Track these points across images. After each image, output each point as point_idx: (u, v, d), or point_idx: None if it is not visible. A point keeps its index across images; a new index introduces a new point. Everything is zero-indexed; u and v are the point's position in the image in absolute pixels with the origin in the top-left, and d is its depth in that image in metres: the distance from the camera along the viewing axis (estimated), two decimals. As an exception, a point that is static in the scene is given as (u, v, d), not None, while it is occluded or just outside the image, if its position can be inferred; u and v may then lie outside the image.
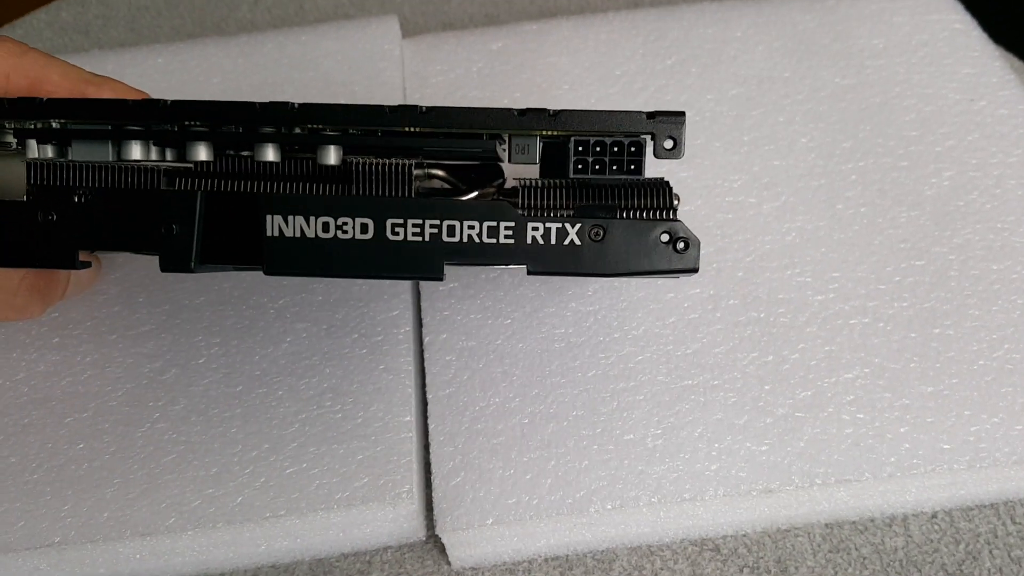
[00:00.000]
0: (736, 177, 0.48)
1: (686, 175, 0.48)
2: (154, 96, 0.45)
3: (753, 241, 0.45)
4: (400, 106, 0.30)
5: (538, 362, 0.41)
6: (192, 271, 0.31)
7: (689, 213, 0.46)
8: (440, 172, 0.35)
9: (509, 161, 0.31)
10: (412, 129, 0.30)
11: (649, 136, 0.31)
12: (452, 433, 0.39)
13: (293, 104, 0.30)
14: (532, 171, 0.33)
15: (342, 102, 0.30)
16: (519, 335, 0.42)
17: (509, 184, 0.35)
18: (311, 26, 0.58)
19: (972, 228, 0.45)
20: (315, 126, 0.30)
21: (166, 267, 0.31)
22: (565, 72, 0.54)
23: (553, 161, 0.34)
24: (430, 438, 0.39)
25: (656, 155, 0.30)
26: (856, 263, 0.44)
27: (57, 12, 0.67)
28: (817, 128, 0.50)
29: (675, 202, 0.32)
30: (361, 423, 0.39)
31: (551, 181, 0.32)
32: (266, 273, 0.31)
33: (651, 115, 0.30)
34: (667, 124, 0.30)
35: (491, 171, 0.35)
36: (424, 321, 0.43)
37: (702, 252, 0.44)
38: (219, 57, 0.56)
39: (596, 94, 0.53)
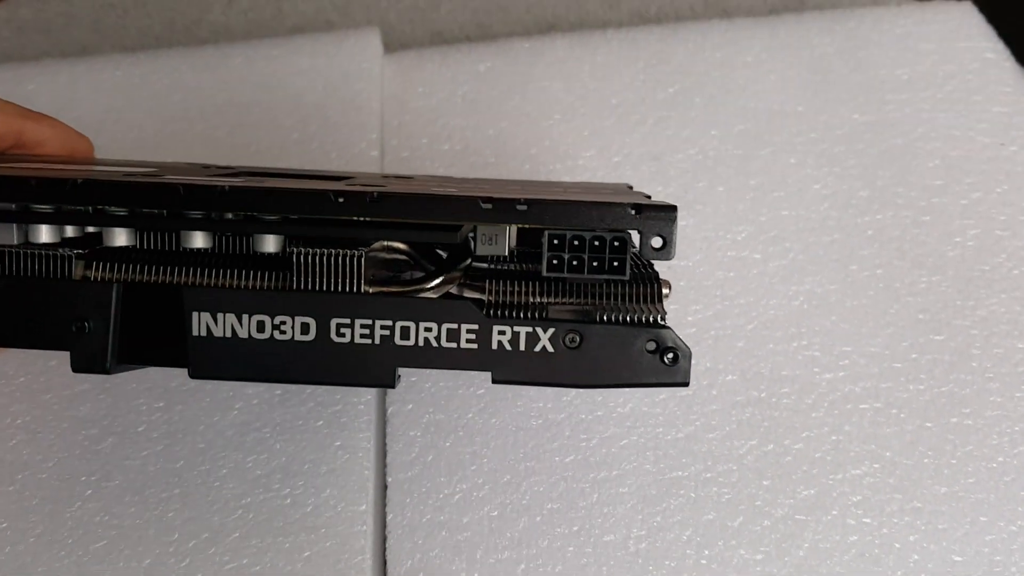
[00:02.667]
0: (740, 228, 0.43)
1: (684, 223, 0.44)
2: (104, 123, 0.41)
3: (756, 305, 0.40)
4: (347, 193, 0.26)
5: (512, 442, 0.37)
6: (108, 372, 0.27)
7: (687, 269, 0.42)
8: (401, 246, 0.31)
9: (475, 253, 0.28)
10: (362, 219, 0.26)
11: (636, 232, 0.27)
12: (412, 526, 0.35)
13: (223, 187, 0.26)
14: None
15: (290, 187, 0.26)
16: (492, 408, 0.38)
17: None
18: (285, 38, 0.53)
19: (997, 298, 0.41)
20: (249, 213, 0.26)
21: (78, 367, 0.27)
22: (557, 99, 0.49)
23: (529, 241, 0.30)
24: (387, 531, 0.35)
25: (642, 254, 0.27)
26: (869, 336, 0.40)
27: (16, 8, 0.62)
28: (832, 173, 0.45)
29: (664, 298, 0.28)
30: (311, 511, 0.35)
31: (523, 273, 0.28)
32: (191, 376, 0.27)
33: (638, 209, 0.26)
34: (656, 221, 0.26)
35: (458, 247, 0.30)
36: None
37: (701, 316, 0.40)
38: (182, 71, 0.51)
39: (589, 126, 0.48)
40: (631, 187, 0.38)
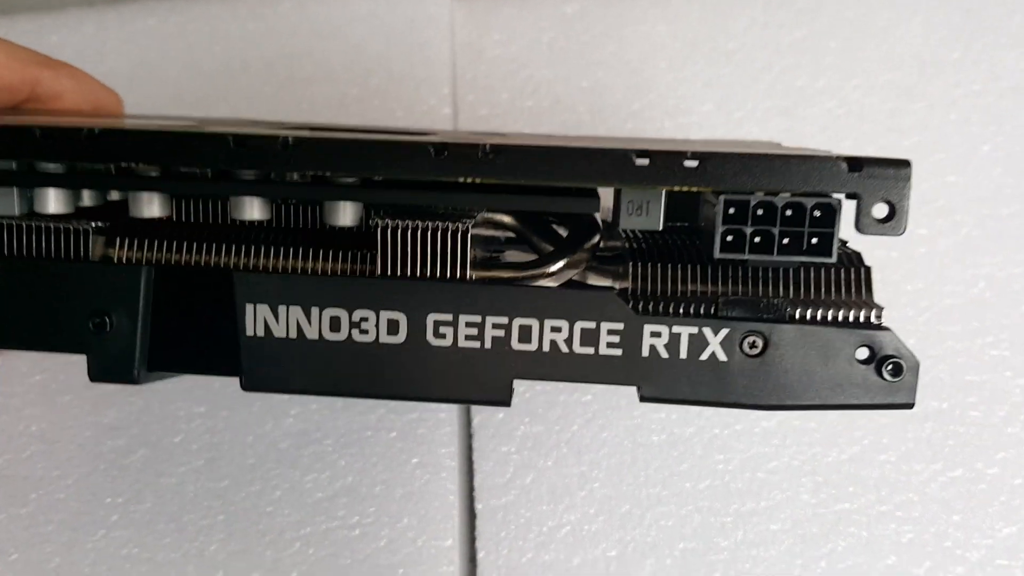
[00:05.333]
0: (896, 198, 0.35)
1: (827, 193, 0.36)
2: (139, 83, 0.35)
3: (927, 292, 0.33)
4: (451, 146, 0.20)
5: (630, 462, 0.31)
6: (135, 381, 0.22)
7: (833, 248, 0.35)
8: (507, 219, 0.25)
9: (619, 227, 0.21)
10: (471, 180, 0.20)
11: (847, 197, 0.20)
12: (509, 567, 0.29)
13: (286, 138, 0.20)
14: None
15: (378, 139, 0.20)
16: (603, 418, 0.31)
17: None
18: (339, -20, 0.46)
19: None
20: (320, 172, 0.21)
21: (98, 375, 0.22)
22: (662, 46, 0.42)
23: (683, 210, 0.25)
24: (478, 572, 0.29)
25: (859, 227, 0.20)
26: (1070, 331, 0.32)
27: (39, -45, 0.56)
28: (1001, 132, 0.38)
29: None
30: (385, 546, 0.29)
31: (672, 252, 0.22)
32: (245, 388, 0.22)
33: (854, 164, 0.20)
34: (881, 180, 0.20)
35: (582, 221, 0.24)
36: (474, 393, 0.32)
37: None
38: (224, 19, 0.45)
39: (703, 76, 0.41)
40: (780, 145, 0.31)
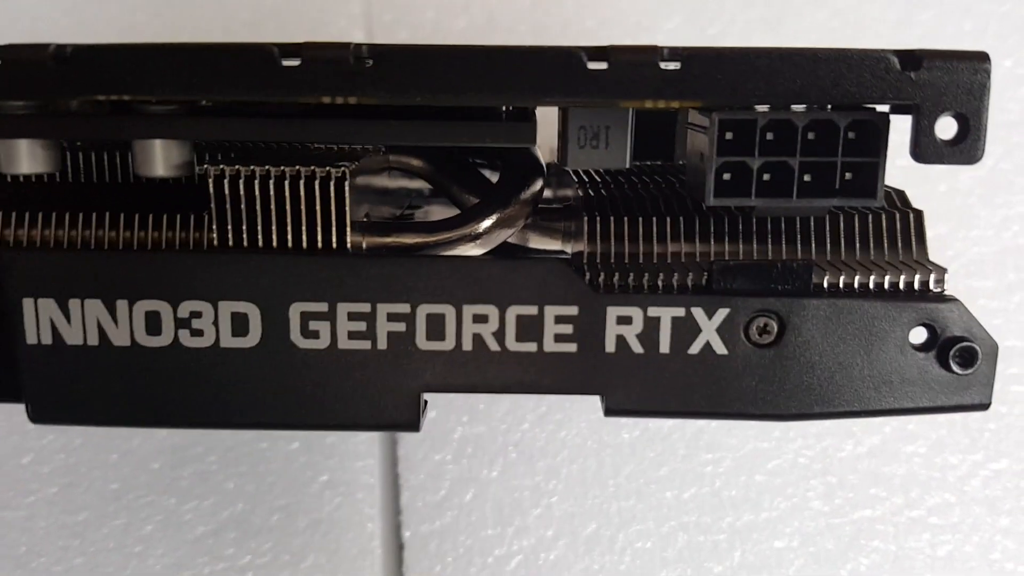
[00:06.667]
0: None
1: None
2: None
3: (951, 240, 0.30)
4: (307, 47, 0.15)
5: (595, 468, 0.27)
6: None
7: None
8: (415, 162, 0.20)
9: (565, 164, 0.16)
10: (347, 100, 0.16)
11: (895, 110, 0.16)
12: (447, 613, 0.23)
13: (62, 48, 0.15)
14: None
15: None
16: (559, 414, 0.27)
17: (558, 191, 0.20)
18: None
19: None
20: (114, 95, 0.16)
21: None
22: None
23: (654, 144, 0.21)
24: (408, 622, 0.24)
25: (917, 153, 0.16)
26: None
27: None
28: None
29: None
30: (286, 594, 0.24)
31: (655, 202, 0.17)
32: (33, 420, 0.17)
33: (909, 59, 0.15)
34: (948, 84, 0.15)
35: (518, 161, 0.18)
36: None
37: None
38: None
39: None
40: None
